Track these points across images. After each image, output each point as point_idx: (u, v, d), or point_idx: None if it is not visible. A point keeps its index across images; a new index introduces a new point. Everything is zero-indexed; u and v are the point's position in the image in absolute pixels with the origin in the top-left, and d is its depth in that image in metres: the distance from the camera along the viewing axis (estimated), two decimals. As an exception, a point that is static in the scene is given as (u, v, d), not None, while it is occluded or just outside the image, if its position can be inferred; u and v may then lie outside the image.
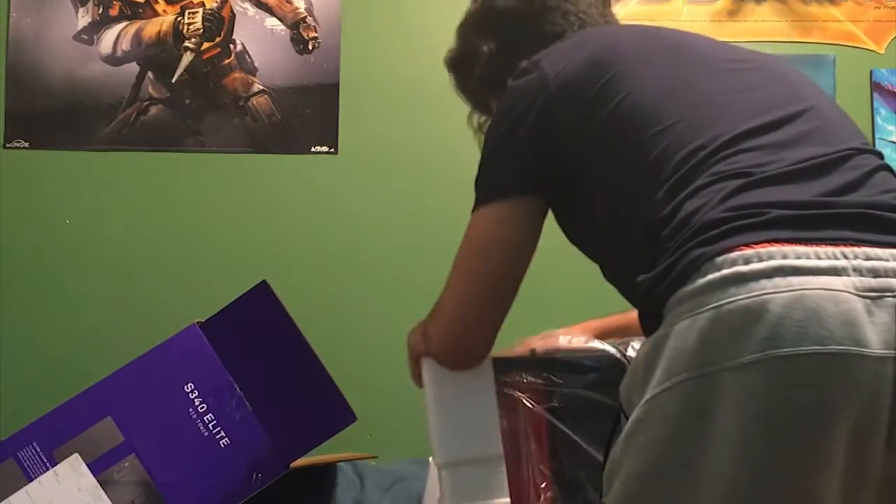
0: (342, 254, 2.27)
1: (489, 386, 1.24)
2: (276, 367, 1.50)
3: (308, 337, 1.56)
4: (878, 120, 2.29)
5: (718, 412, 0.86)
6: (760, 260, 0.88)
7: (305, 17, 2.32)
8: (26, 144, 2.26)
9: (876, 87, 2.30)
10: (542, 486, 1.27)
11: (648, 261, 0.97)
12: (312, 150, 2.29)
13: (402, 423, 2.13)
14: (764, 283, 0.86)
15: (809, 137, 1.00)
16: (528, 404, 1.28)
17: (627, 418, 0.96)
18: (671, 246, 0.94)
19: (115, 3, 2.30)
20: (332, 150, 2.29)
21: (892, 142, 2.28)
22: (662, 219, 0.97)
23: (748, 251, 0.89)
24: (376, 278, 2.26)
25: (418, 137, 2.30)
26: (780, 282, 0.86)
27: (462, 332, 1.17)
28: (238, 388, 1.49)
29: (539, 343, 1.34)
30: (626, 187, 1.05)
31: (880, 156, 1.05)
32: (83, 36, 2.29)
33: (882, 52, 2.32)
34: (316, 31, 2.31)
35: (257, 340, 1.51)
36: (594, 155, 1.08)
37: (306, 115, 2.30)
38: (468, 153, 2.27)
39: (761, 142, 0.99)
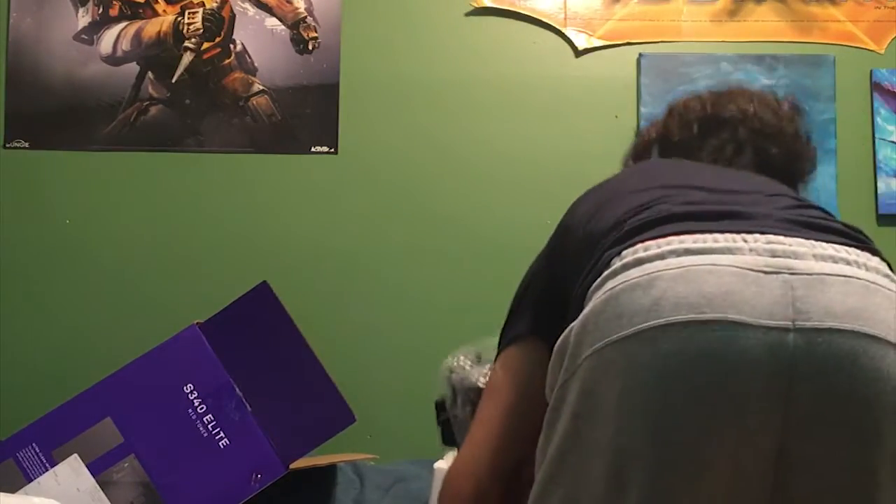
0: (342, 254, 2.27)
1: None
2: (275, 367, 1.50)
3: (308, 337, 1.56)
4: (878, 120, 2.29)
5: (603, 386, 0.88)
6: (659, 247, 0.91)
7: (305, 17, 2.32)
8: (26, 144, 2.26)
9: (876, 87, 2.29)
10: None
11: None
12: (312, 150, 2.29)
13: (402, 423, 2.14)
14: (657, 263, 0.89)
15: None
16: None
17: None
18: (600, 248, 0.99)
19: (115, 3, 2.30)
20: (332, 150, 2.29)
21: (892, 142, 2.28)
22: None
23: (650, 242, 0.92)
24: (376, 278, 2.26)
25: (418, 137, 2.30)
26: (671, 261, 0.89)
27: (468, 471, 1.15)
28: (237, 389, 1.49)
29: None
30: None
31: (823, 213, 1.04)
32: (83, 36, 2.29)
33: (882, 52, 2.31)
34: (316, 31, 2.31)
35: (257, 341, 1.51)
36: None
37: (306, 115, 2.30)
38: (468, 153, 2.29)
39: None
